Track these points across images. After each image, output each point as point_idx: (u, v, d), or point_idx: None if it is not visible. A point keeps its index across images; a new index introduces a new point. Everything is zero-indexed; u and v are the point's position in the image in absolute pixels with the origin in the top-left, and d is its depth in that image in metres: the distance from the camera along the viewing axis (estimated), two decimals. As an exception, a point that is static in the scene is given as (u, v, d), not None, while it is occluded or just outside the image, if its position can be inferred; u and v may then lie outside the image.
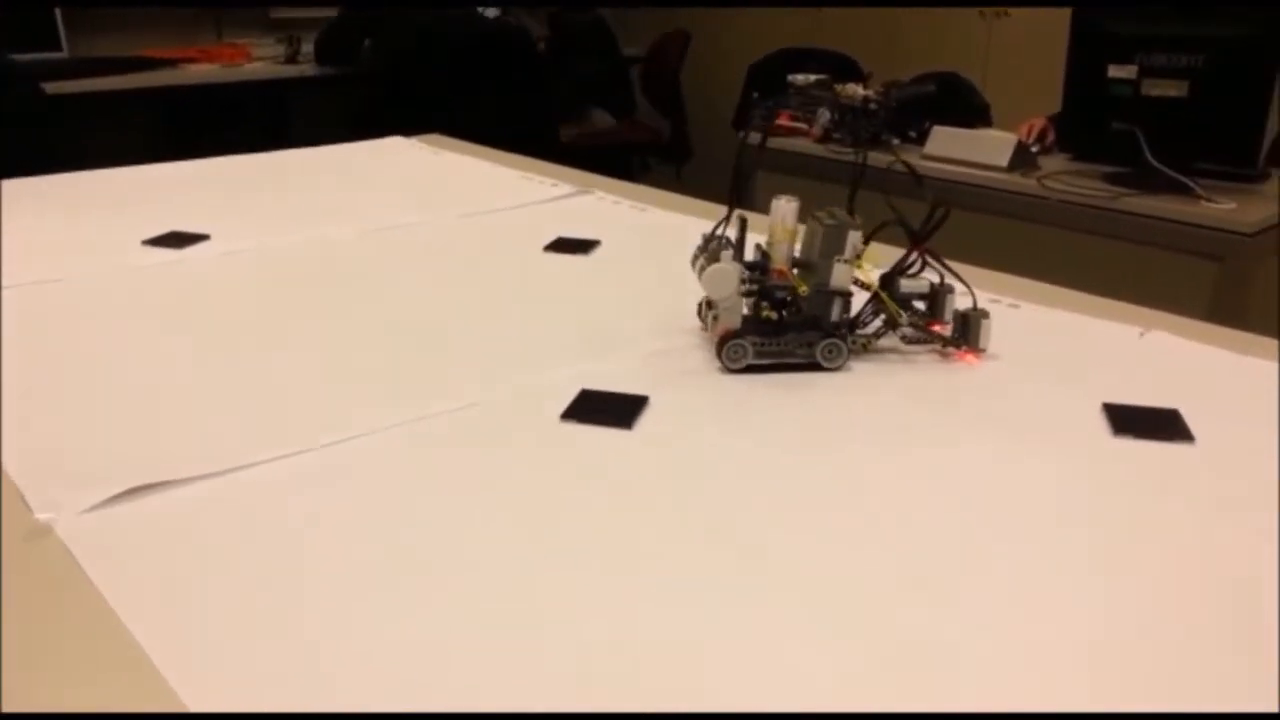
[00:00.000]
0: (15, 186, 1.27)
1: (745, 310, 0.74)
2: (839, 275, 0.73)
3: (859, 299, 0.76)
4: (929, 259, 0.76)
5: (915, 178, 0.76)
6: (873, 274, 0.76)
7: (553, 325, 0.83)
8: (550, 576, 0.49)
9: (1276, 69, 1.75)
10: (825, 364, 0.74)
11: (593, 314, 0.86)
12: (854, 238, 0.72)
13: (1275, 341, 0.81)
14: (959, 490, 0.58)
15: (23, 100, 2.64)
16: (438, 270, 0.97)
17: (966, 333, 0.76)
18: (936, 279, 0.77)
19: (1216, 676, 0.43)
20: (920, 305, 0.77)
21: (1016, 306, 0.88)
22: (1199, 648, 0.45)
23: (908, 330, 0.77)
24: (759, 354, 0.73)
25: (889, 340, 0.78)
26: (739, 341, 0.73)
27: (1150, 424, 0.66)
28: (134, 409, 0.67)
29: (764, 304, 0.73)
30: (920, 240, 0.75)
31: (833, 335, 0.73)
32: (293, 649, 0.44)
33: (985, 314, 0.76)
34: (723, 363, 0.73)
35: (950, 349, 0.77)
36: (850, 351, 0.75)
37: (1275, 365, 0.76)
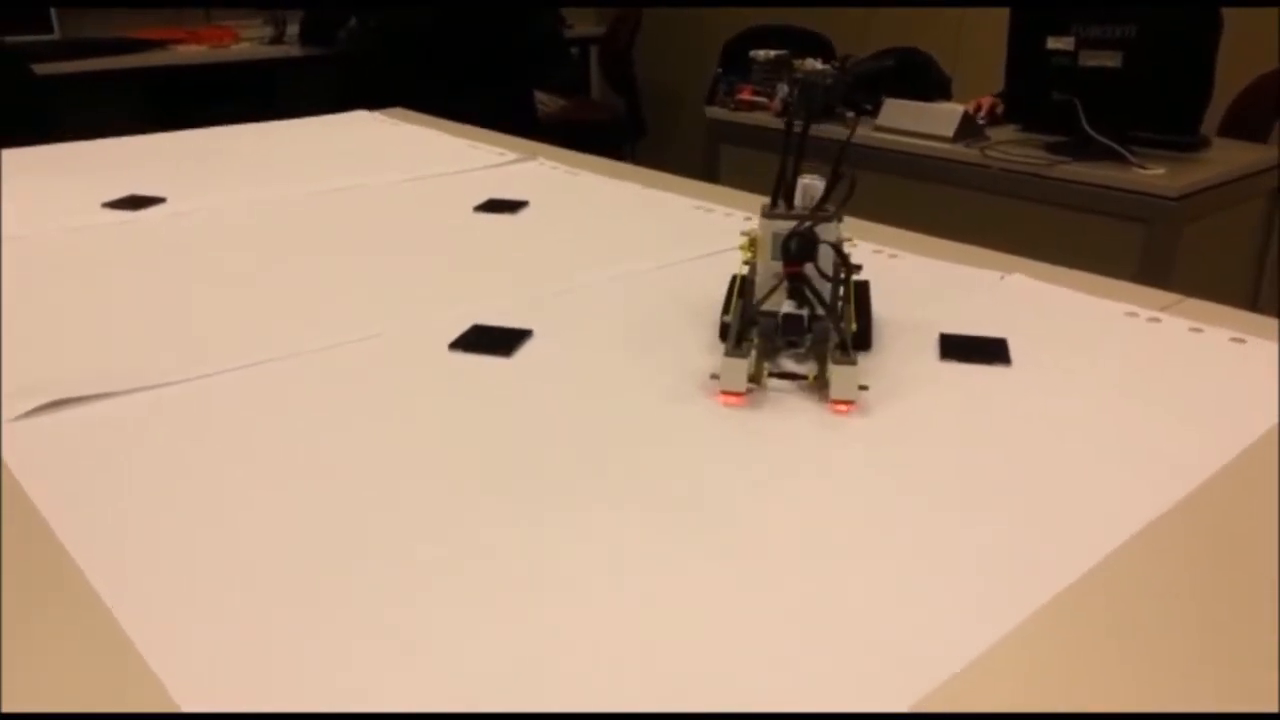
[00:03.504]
0: (-9, 157, 1.35)
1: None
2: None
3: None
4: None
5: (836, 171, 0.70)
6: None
7: (465, 272, 0.91)
8: (406, 484, 0.58)
9: (1210, 39, 1.82)
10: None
11: (505, 264, 0.94)
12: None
13: (1125, 284, 0.89)
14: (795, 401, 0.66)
15: (13, 82, 2.72)
16: (370, 226, 1.05)
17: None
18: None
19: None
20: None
21: (895, 256, 0.96)
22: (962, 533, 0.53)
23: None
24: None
25: None
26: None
27: (975, 351, 0.74)
28: (69, 335, 0.75)
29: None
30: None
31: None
32: (215, 555, 0.50)
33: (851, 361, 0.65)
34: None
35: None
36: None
37: (1113, 304, 0.84)
